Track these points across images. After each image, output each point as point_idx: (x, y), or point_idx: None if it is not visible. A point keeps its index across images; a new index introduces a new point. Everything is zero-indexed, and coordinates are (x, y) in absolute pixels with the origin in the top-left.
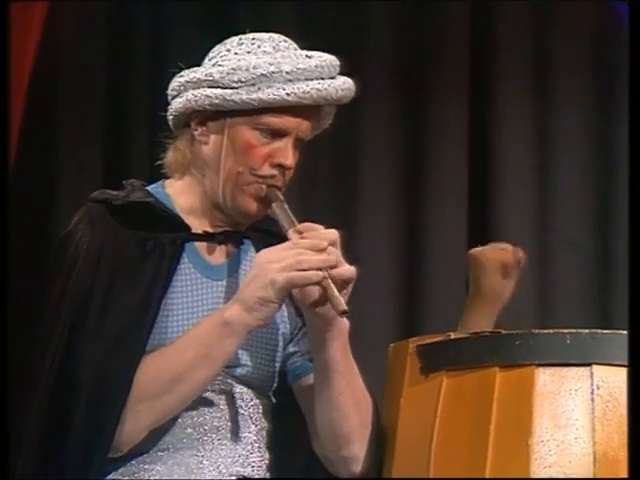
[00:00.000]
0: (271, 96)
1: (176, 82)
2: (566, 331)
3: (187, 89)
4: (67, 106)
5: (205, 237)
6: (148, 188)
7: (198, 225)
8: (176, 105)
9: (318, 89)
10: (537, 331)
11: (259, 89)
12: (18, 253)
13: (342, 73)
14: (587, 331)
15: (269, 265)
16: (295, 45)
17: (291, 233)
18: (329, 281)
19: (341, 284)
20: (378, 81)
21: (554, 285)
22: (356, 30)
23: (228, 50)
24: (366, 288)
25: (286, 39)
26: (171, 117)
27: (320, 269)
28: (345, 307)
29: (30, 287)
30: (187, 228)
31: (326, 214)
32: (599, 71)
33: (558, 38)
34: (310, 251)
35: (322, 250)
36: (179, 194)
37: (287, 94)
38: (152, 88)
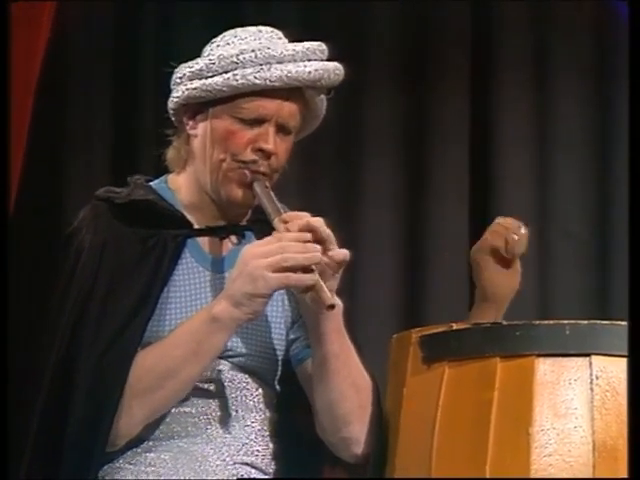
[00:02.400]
0: (240, 81)
1: (172, 80)
2: (566, 322)
3: (177, 85)
4: (75, 104)
5: (207, 232)
6: (152, 184)
7: (200, 219)
8: (171, 102)
9: (289, 71)
10: (537, 322)
11: (231, 75)
12: (27, 252)
13: (340, 63)
14: (586, 322)
15: (255, 261)
16: (281, 35)
17: (277, 222)
18: (316, 275)
19: (335, 267)
20: (380, 78)
21: (554, 276)
22: (358, 27)
23: (212, 44)
24: (369, 280)
25: (274, 30)
26: (170, 114)
27: (307, 266)
28: (332, 301)
29: (39, 286)
30: (189, 224)
31: (329, 208)
32: (599, 68)
33: (558, 36)
34: (294, 244)
35: (307, 242)
36: (180, 189)
37: (255, 77)
38: (160, 87)
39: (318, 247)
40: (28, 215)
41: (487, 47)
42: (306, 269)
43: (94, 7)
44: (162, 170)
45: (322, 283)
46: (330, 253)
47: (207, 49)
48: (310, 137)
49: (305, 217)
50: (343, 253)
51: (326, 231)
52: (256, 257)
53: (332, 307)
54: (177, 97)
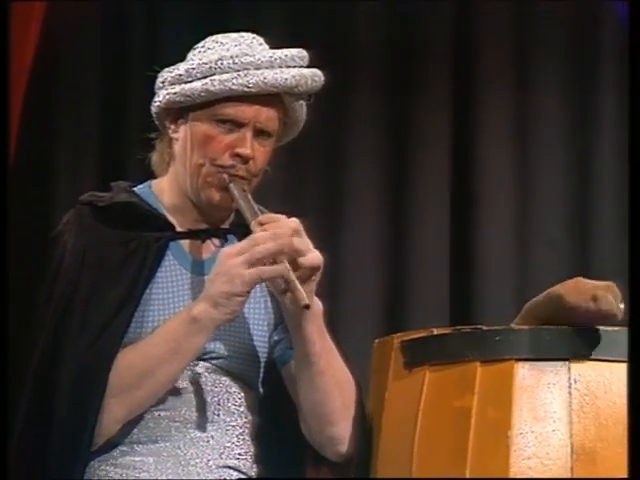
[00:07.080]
0: (218, 86)
1: (155, 84)
2: (545, 327)
3: (160, 89)
4: (64, 107)
5: (189, 235)
6: (135, 189)
7: (182, 223)
8: (153, 106)
9: (265, 77)
10: (517, 327)
11: (209, 81)
12: (15, 255)
13: (322, 69)
14: (565, 327)
15: (230, 260)
16: (262, 41)
17: (253, 225)
18: (291, 274)
19: (309, 272)
20: (363, 82)
21: (534, 283)
22: (340, 31)
23: (195, 49)
24: (352, 284)
25: (255, 36)
26: (154, 118)
27: (277, 256)
28: (306, 301)
29: (29, 290)
30: (171, 227)
31: (312, 212)
32: (583, 70)
33: (541, 36)
34: (263, 235)
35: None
36: (163, 192)
37: (232, 83)
38: (148, 89)
39: (298, 240)
40: (17, 218)
41: (470, 49)
42: (278, 259)
43: (84, 9)
44: (149, 174)
45: (297, 283)
46: (302, 259)
47: (189, 54)
48: (295, 141)
49: (281, 219)
50: (315, 258)
51: (300, 236)
52: (231, 256)
53: (307, 307)
54: (159, 101)
